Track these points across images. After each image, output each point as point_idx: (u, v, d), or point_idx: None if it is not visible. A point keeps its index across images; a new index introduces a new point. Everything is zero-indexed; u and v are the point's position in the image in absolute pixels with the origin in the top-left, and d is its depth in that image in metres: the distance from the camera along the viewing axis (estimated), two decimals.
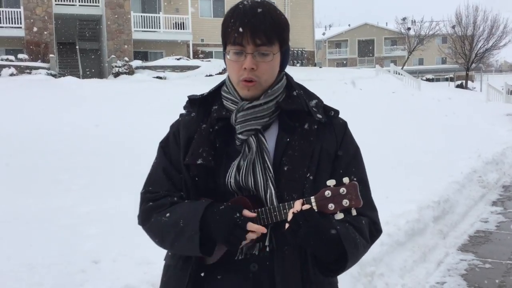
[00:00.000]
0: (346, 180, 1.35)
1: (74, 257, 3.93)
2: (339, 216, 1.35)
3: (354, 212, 1.36)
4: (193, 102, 1.57)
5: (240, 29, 1.41)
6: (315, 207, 1.34)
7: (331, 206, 1.33)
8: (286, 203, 1.38)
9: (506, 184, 9.08)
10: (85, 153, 7.63)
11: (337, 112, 1.58)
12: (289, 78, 1.58)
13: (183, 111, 1.61)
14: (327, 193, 1.34)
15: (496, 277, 4.68)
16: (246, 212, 1.38)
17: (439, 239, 5.62)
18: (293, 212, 1.34)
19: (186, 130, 1.53)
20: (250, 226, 1.36)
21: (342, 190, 1.34)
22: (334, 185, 1.35)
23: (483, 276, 4.72)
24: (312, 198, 1.35)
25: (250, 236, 1.37)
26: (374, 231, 1.51)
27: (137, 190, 1.59)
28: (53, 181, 6.16)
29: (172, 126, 1.60)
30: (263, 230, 1.37)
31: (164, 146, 1.57)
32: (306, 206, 1.34)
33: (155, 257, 1.55)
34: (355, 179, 1.41)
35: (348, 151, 1.55)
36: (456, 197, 6.92)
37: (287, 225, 1.34)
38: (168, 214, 1.45)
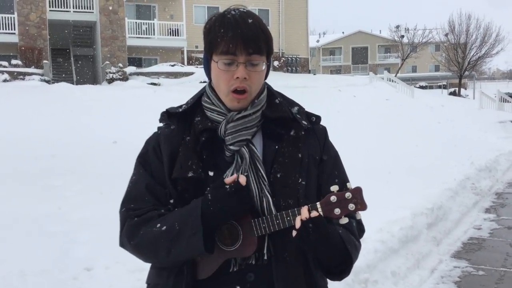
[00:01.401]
0: (349, 184, 1.38)
1: (66, 264, 3.90)
2: (344, 220, 1.36)
3: (359, 216, 1.38)
4: (172, 115, 1.54)
5: (234, 39, 1.40)
6: (321, 213, 1.35)
7: (337, 211, 1.35)
8: (289, 211, 1.38)
9: (499, 191, 9.12)
10: (79, 159, 7.59)
11: (319, 118, 1.60)
12: (268, 87, 1.59)
13: (160, 124, 1.57)
14: (333, 198, 1.35)
15: (489, 284, 4.69)
16: (227, 180, 1.38)
17: (433, 246, 5.63)
18: (301, 219, 1.34)
19: (169, 143, 1.49)
20: (242, 179, 1.37)
21: (348, 194, 1.35)
22: (337, 191, 1.36)
23: (477, 283, 4.73)
24: (318, 204, 1.36)
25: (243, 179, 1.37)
26: (359, 231, 1.56)
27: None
28: (46, 186, 6.12)
29: (149, 140, 1.55)
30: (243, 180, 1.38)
31: (143, 161, 1.52)
32: (315, 213, 1.34)
33: (148, 264, 1.52)
34: (335, 179, 1.47)
35: (331, 155, 1.59)
36: (449, 204, 6.94)
37: (294, 232, 1.34)
38: (158, 225, 1.40)
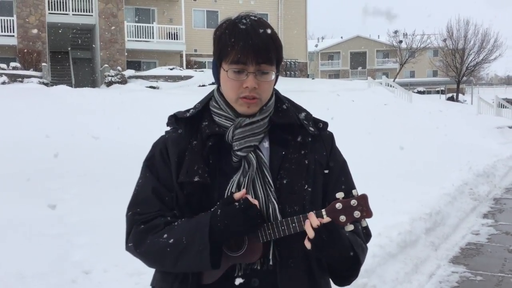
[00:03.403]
0: (355, 192, 1.38)
1: (65, 267, 3.90)
2: (350, 227, 1.36)
3: (364, 223, 1.38)
4: (180, 119, 1.53)
5: (244, 49, 1.40)
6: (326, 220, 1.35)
7: (342, 218, 1.34)
8: (295, 217, 1.38)
9: (497, 196, 9.13)
10: (77, 162, 7.59)
11: (326, 124, 1.60)
12: (276, 92, 1.58)
13: (168, 128, 1.57)
14: (338, 205, 1.35)
15: None
16: (238, 194, 1.38)
17: (431, 251, 5.63)
18: (313, 227, 1.33)
19: (176, 147, 1.49)
20: (253, 201, 1.37)
21: (353, 202, 1.35)
22: (343, 198, 1.36)
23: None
24: (323, 211, 1.36)
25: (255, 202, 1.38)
26: (366, 235, 1.57)
27: (128, 198, 1.54)
28: (44, 190, 6.11)
29: (156, 144, 1.54)
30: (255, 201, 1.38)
31: (150, 164, 1.52)
32: (326, 219, 1.34)
33: (147, 267, 1.53)
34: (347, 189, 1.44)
35: (338, 162, 1.58)
36: (447, 209, 6.95)
37: (308, 244, 1.34)
38: (165, 235, 1.40)
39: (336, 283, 1.52)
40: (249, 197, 1.38)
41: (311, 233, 1.33)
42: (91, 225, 4.86)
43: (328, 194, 1.51)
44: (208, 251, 1.35)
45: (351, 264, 1.44)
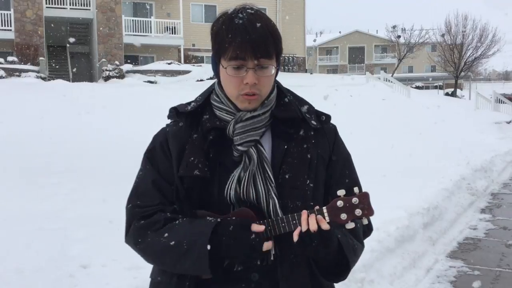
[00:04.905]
0: (356, 189, 1.37)
1: (62, 262, 3.89)
2: (350, 225, 1.35)
3: (365, 221, 1.37)
4: (181, 112, 1.52)
5: (242, 45, 1.37)
6: (327, 218, 1.34)
7: (343, 216, 1.33)
8: (295, 214, 1.37)
9: (495, 191, 9.15)
10: (75, 157, 7.57)
11: (328, 117, 1.58)
12: (278, 85, 1.57)
13: (168, 121, 1.55)
14: (339, 203, 1.34)
15: (485, 284, 4.70)
16: (256, 227, 1.35)
17: (429, 246, 5.64)
18: (309, 228, 1.32)
19: (177, 140, 1.47)
20: (266, 246, 1.36)
21: (355, 200, 1.34)
22: (344, 195, 1.35)
23: (472, 283, 4.74)
24: (324, 209, 1.35)
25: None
26: (366, 230, 1.56)
27: (127, 193, 1.52)
28: (42, 184, 6.10)
29: (157, 136, 1.53)
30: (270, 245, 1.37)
31: (150, 156, 1.50)
32: (326, 226, 1.32)
33: (145, 262, 1.52)
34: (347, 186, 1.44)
35: (341, 155, 1.57)
36: (445, 204, 6.96)
37: (296, 237, 1.33)
38: (166, 234, 1.39)
39: (325, 279, 1.49)
40: (268, 244, 1.36)
41: (304, 227, 1.33)
42: (89, 220, 4.85)
43: (331, 188, 1.50)
44: (207, 260, 1.33)
45: (340, 265, 1.43)
